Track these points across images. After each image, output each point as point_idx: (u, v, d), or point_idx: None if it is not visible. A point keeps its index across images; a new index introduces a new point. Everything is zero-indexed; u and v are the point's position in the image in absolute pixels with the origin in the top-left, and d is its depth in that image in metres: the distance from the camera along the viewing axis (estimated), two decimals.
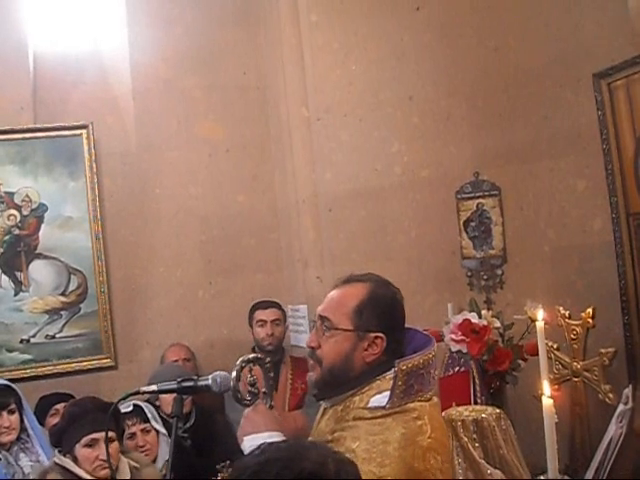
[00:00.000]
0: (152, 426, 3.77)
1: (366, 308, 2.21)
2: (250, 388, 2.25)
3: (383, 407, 2.09)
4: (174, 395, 2.35)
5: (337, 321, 2.21)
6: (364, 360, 2.19)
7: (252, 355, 2.31)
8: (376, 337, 2.19)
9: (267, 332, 4.65)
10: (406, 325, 2.30)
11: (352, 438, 2.02)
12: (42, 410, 4.21)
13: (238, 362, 2.25)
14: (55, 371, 4.80)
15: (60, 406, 4.12)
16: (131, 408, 3.74)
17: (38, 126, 4.82)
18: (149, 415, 3.78)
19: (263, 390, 2.29)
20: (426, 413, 2.12)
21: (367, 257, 4.55)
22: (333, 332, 2.21)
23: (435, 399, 2.22)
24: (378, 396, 2.13)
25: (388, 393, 2.11)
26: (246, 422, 2.22)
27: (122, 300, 5.00)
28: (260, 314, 4.73)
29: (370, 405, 2.12)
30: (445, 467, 2.13)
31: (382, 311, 2.22)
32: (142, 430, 3.74)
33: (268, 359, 2.36)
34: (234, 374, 2.23)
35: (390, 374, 2.14)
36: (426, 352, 2.19)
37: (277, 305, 4.78)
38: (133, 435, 3.72)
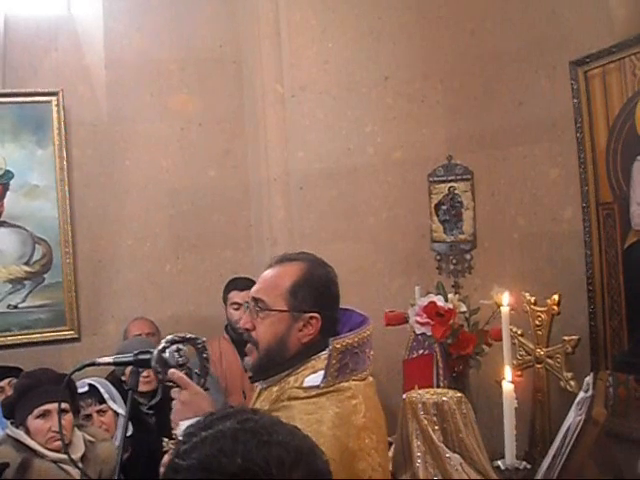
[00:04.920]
0: (109, 406, 3.66)
1: (300, 288, 2.18)
2: (179, 369, 2.14)
3: (317, 386, 2.07)
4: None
5: (271, 302, 2.18)
6: (300, 341, 2.17)
7: (180, 334, 2.21)
8: (311, 317, 2.17)
9: (241, 316, 4.47)
10: (343, 305, 2.28)
11: (286, 418, 1.95)
12: None
13: (162, 342, 2.18)
14: (16, 341, 4.72)
15: (4, 382, 4.04)
16: (86, 388, 3.61)
17: (6, 91, 4.70)
18: (105, 395, 3.66)
19: (195, 371, 2.20)
20: (361, 392, 2.10)
21: (336, 237, 4.53)
22: (267, 313, 2.18)
23: (370, 379, 2.20)
24: (313, 375, 2.11)
25: (322, 372, 2.09)
26: (184, 406, 2.08)
27: (87, 272, 4.93)
28: (235, 296, 4.61)
29: (305, 385, 2.10)
30: (380, 447, 2.12)
31: (317, 291, 2.20)
32: (98, 411, 3.63)
33: (202, 339, 2.26)
34: (155, 354, 2.15)
35: (325, 354, 2.12)
36: (361, 331, 2.17)
37: (253, 285, 4.69)
38: (89, 416, 3.61)
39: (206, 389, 2.19)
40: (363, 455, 2.02)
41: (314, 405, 2.03)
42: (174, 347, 2.17)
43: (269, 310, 2.18)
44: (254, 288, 2.28)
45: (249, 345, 2.23)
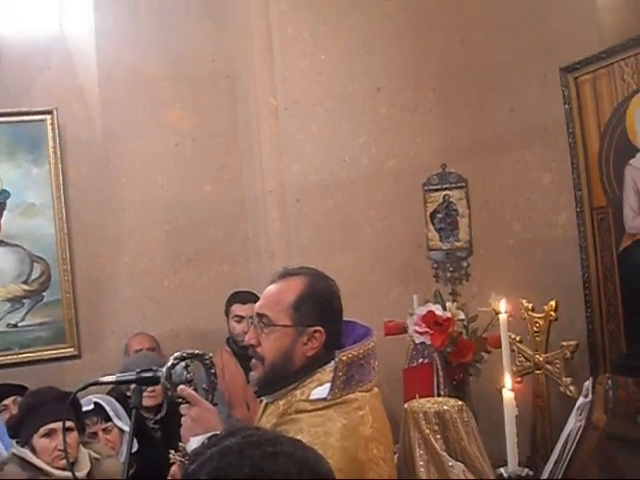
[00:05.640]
0: (114, 424, 3.64)
1: (304, 302, 2.20)
2: (188, 385, 2.17)
3: (324, 399, 2.10)
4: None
5: (275, 317, 2.20)
6: (304, 354, 2.19)
7: (188, 351, 2.24)
8: (315, 331, 2.19)
9: (243, 329, 4.44)
10: (346, 318, 2.30)
11: (294, 431, 2.00)
12: None
13: (171, 359, 2.19)
14: (17, 360, 4.71)
15: (9, 401, 4.04)
16: (92, 407, 3.60)
17: (1, 111, 4.72)
18: (111, 413, 3.65)
19: (203, 386, 2.22)
20: (367, 403, 2.13)
21: (333, 248, 4.55)
22: (272, 329, 2.20)
23: (375, 389, 2.23)
24: (319, 388, 2.14)
25: (328, 385, 2.12)
26: (194, 422, 2.10)
27: (86, 289, 4.93)
28: (237, 309, 4.61)
29: (312, 397, 2.13)
30: (388, 456, 2.16)
31: (320, 304, 2.22)
32: (104, 430, 3.62)
33: (209, 354, 2.28)
34: (164, 371, 2.17)
35: (330, 366, 2.15)
36: (365, 342, 2.21)
37: (256, 299, 4.65)
38: (95, 434, 3.59)
39: (214, 404, 2.22)
40: (372, 465, 2.05)
41: (322, 417, 2.06)
42: (183, 363, 2.20)
43: (273, 325, 2.20)
44: (258, 304, 2.29)
45: (254, 361, 2.25)
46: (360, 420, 2.08)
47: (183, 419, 2.15)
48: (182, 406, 2.17)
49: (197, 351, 2.27)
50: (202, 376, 2.26)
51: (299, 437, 1.92)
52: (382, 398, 2.30)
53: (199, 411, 2.12)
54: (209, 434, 1.93)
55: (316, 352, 2.19)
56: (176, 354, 2.21)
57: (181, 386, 2.16)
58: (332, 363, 2.14)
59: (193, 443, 2.05)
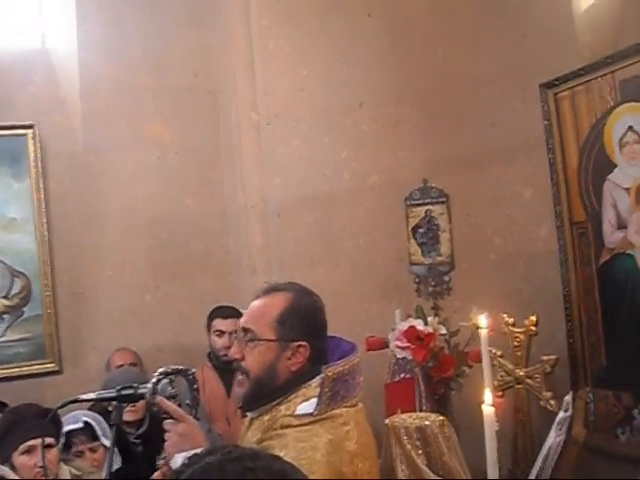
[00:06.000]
0: (101, 443, 3.59)
1: (288, 317, 2.22)
2: (172, 401, 2.18)
3: (310, 414, 2.11)
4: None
5: (260, 332, 2.21)
6: (289, 369, 2.20)
7: (172, 367, 2.25)
8: (299, 346, 2.20)
9: (224, 344, 4.46)
10: (331, 334, 2.32)
11: (280, 446, 2.01)
12: None
13: (155, 375, 2.20)
14: None
15: None
16: (81, 425, 3.57)
17: None
18: (99, 432, 3.60)
19: (187, 402, 2.23)
20: (352, 419, 2.15)
21: (315, 262, 4.56)
22: (256, 343, 2.21)
23: (360, 405, 2.24)
24: (305, 404, 2.14)
25: (314, 400, 2.13)
26: (180, 438, 2.11)
27: (67, 304, 4.89)
28: (219, 324, 4.58)
29: (297, 412, 2.14)
30: (373, 471, 2.17)
31: (304, 320, 2.23)
32: (90, 449, 3.57)
33: (193, 370, 2.30)
34: (150, 387, 2.18)
35: (315, 382, 2.16)
36: (351, 358, 2.22)
37: (238, 314, 4.65)
38: (81, 453, 3.55)
39: (197, 419, 2.23)
40: None
41: (307, 433, 2.07)
42: (166, 379, 2.20)
43: (258, 340, 2.21)
44: (242, 319, 2.30)
45: (240, 377, 2.25)
46: (345, 435, 2.09)
47: (168, 435, 2.15)
48: (166, 422, 2.17)
49: (180, 367, 2.28)
50: (184, 391, 2.27)
51: (284, 452, 1.95)
52: (366, 412, 2.31)
53: (186, 427, 2.13)
54: (194, 450, 1.93)
55: (300, 367, 2.20)
56: (160, 370, 2.22)
57: (166, 402, 2.16)
58: (318, 378, 2.15)
59: (178, 459, 2.05)
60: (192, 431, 2.13)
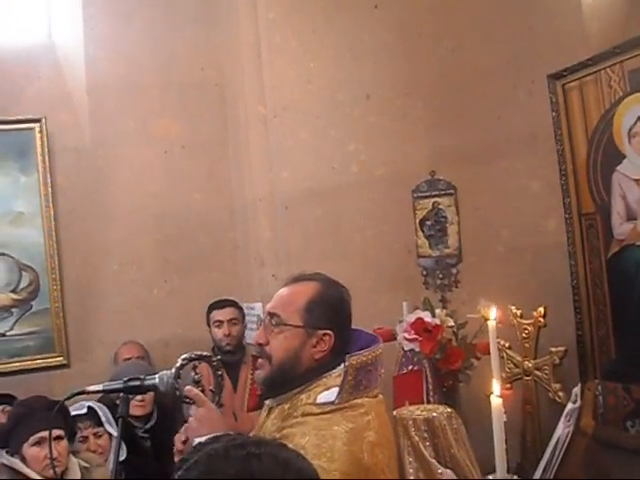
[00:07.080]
0: (105, 429, 3.65)
1: (316, 305, 2.23)
2: (195, 386, 2.21)
3: (332, 402, 2.11)
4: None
5: (287, 317, 2.22)
6: (312, 357, 2.20)
7: (196, 352, 2.27)
8: (324, 334, 2.20)
9: (224, 332, 4.53)
10: (352, 326, 2.33)
11: (301, 434, 2.02)
12: None
13: (179, 360, 2.23)
14: (5, 369, 4.70)
15: None
16: (85, 411, 3.61)
17: None
18: (103, 418, 3.65)
19: (210, 388, 2.26)
20: (373, 409, 2.15)
21: (323, 256, 4.54)
22: (282, 328, 2.22)
23: (380, 396, 2.25)
24: (326, 392, 2.15)
25: (335, 390, 2.13)
26: (199, 423, 2.15)
27: (75, 298, 4.92)
28: (217, 314, 4.62)
29: (318, 401, 2.14)
30: (392, 463, 2.17)
31: (331, 309, 2.24)
32: (94, 434, 3.62)
33: (217, 357, 2.33)
34: (173, 371, 2.21)
35: (336, 372, 2.17)
36: (374, 349, 2.23)
37: (234, 303, 4.68)
38: (85, 439, 3.60)
39: (221, 405, 2.26)
40: (377, 471, 2.06)
41: (328, 421, 2.07)
42: (190, 365, 2.23)
43: (284, 325, 2.22)
44: (270, 304, 2.31)
45: (260, 360, 2.26)
46: (366, 425, 2.10)
47: (190, 420, 2.19)
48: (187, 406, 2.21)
49: (205, 353, 2.32)
50: (189, 380, 2.28)
51: (305, 439, 1.98)
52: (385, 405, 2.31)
53: (205, 412, 2.17)
54: (212, 435, 1.95)
55: (323, 355, 2.21)
56: (184, 355, 2.25)
57: (188, 387, 2.20)
58: (339, 368, 2.16)
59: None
60: (211, 416, 2.16)
